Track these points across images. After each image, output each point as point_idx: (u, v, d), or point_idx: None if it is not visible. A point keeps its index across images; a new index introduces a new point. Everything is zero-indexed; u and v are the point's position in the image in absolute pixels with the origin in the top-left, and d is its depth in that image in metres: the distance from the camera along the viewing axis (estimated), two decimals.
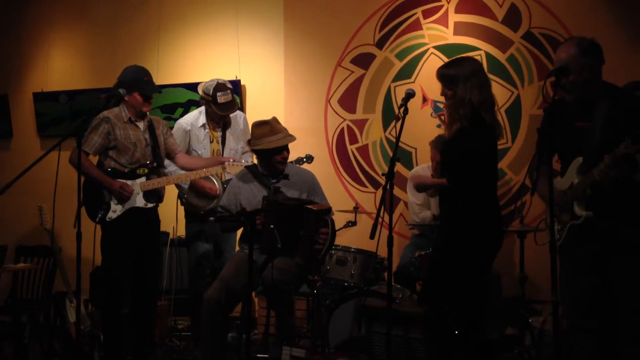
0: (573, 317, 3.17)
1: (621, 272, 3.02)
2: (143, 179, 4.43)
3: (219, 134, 5.15)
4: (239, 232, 4.70)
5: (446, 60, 5.42)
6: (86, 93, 6.45)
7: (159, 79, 5.34)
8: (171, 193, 5.06)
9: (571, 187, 3.10)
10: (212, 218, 4.12)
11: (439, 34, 5.58)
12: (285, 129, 4.30)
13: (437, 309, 3.49)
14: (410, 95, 3.42)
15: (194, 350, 4.95)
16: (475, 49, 5.44)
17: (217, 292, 3.96)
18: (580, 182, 3.06)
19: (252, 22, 6.16)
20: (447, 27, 5.54)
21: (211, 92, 4.97)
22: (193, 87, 5.95)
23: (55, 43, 6.71)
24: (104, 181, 4.34)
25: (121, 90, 4.23)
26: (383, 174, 3.71)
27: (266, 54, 6.10)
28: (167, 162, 4.75)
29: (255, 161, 4.53)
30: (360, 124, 5.80)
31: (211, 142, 5.13)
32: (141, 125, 4.51)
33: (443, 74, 3.51)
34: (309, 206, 3.98)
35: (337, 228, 4.22)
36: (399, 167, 5.43)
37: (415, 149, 5.56)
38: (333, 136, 5.87)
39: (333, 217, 4.19)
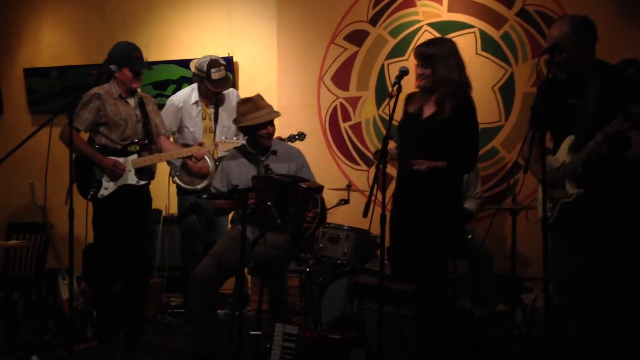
0: (564, 295, 3.19)
1: (611, 249, 3.04)
2: (135, 156, 4.41)
3: (211, 110, 5.13)
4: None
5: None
6: (77, 69, 6.41)
7: (150, 56, 5.31)
8: (163, 170, 5.05)
9: (563, 165, 3.10)
10: (204, 196, 4.13)
11: (433, 10, 5.54)
12: (270, 106, 4.29)
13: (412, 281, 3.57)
14: (404, 72, 3.41)
15: (186, 327, 4.98)
16: (469, 26, 5.41)
17: (208, 267, 3.97)
18: (572, 160, 3.06)
19: None
20: (441, 4, 5.50)
21: (205, 68, 4.94)
22: (185, 63, 5.92)
23: (46, 19, 6.65)
24: (95, 158, 4.32)
25: (112, 67, 4.20)
26: (376, 152, 3.72)
27: (259, 30, 6.06)
28: None
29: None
30: (354, 101, 5.78)
31: (203, 119, 5.11)
32: (132, 101, 4.49)
33: (424, 52, 3.53)
34: (300, 183, 3.98)
35: (329, 206, 4.22)
36: (392, 145, 5.41)
37: None
38: (326, 113, 5.85)
39: (324, 194, 4.18)
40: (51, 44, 6.63)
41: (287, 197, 3.94)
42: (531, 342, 4.27)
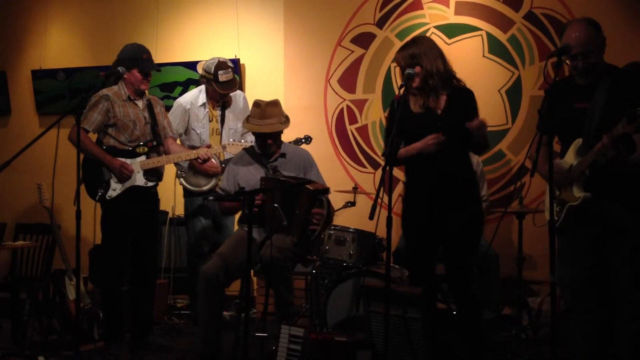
0: (570, 298, 3.19)
1: (617, 252, 3.03)
2: (143, 157, 4.42)
3: (218, 113, 5.14)
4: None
5: (447, 40, 5.44)
6: (84, 71, 6.43)
7: (158, 58, 5.32)
8: (170, 172, 5.06)
9: (570, 169, 3.10)
10: (211, 197, 4.13)
11: (440, 13, 5.54)
12: (280, 114, 4.24)
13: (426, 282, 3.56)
14: (410, 76, 3.41)
15: (192, 328, 4.98)
16: (476, 29, 5.41)
17: (214, 267, 3.96)
18: (579, 163, 3.06)
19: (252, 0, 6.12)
20: (448, 6, 5.50)
21: (212, 70, 4.96)
22: (192, 65, 5.93)
23: (54, 20, 6.68)
24: (104, 159, 4.33)
25: (120, 68, 4.22)
26: (383, 154, 3.71)
27: (266, 32, 6.07)
28: None
29: None
30: (360, 104, 5.78)
31: (210, 121, 5.13)
32: (140, 103, 4.50)
33: (406, 55, 3.55)
34: (307, 185, 3.99)
35: (336, 208, 4.21)
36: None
37: None
38: (332, 116, 5.85)
39: (331, 197, 4.18)
40: (59, 46, 6.65)
41: (293, 198, 3.94)
42: (537, 345, 4.26)
